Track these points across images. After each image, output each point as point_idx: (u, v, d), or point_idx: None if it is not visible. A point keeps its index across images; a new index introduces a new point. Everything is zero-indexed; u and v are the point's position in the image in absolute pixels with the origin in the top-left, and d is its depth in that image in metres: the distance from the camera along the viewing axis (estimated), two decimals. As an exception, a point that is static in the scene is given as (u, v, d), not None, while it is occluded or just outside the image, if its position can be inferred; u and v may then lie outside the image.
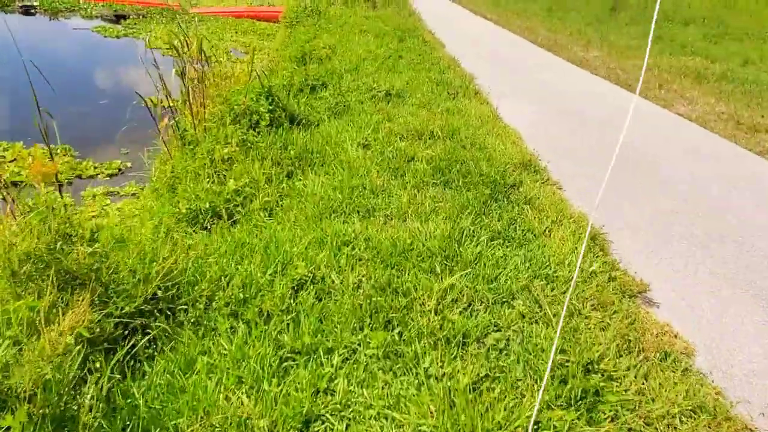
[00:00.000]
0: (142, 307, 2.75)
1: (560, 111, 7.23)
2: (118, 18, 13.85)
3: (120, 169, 6.10)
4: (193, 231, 3.95)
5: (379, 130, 5.52)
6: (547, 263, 3.38)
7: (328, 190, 4.22)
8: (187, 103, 5.47)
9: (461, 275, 3.14)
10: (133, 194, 5.51)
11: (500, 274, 3.20)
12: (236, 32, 13.90)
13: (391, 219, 3.89)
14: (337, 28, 11.27)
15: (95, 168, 6.02)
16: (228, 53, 11.92)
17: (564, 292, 3.11)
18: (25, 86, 3.57)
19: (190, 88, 5.68)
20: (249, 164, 4.62)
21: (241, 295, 2.90)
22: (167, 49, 12.14)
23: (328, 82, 7.30)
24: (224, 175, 4.68)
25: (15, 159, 6.01)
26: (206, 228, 4.05)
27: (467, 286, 3.05)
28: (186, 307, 2.87)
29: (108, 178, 5.88)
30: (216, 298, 2.92)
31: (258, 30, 14.36)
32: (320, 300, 2.98)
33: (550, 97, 7.95)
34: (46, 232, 2.88)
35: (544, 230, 3.81)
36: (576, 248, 3.57)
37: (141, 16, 14.21)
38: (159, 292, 2.84)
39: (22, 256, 2.65)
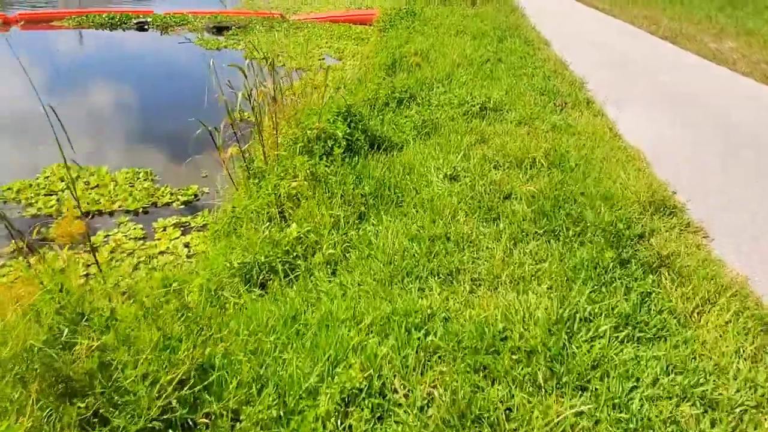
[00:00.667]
0: (151, 425, 2.13)
1: (695, 123, 5.84)
2: (220, 30, 13.94)
3: (196, 195, 5.70)
4: (247, 289, 3.33)
5: (470, 156, 4.61)
6: (701, 373, 2.33)
7: (404, 241, 3.40)
8: (257, 127, 4.90)
9: (575, 394, 2.20)
10: (204, 226, 5.06)
11: (632, 393, 2.22)
12: (331, 37, 13.46)
13: (479, 285, 3.00)
14: (432, 30, 10.39)
15: (171, 194, 5.67)
16: (321, 59, 11.48)
17: (735, 430, 2.07)
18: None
19: (261, 110, 5.12)
20: (315, 204, 3.93)
21: (274, 413, 2.18)
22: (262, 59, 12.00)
23: (416, 94, 6.47)
24: (290, 215, 4.04)
25: (97, 185, 5.82)
26: (262, 285, 3.42)
27: (585, 414, 2.11)
28: (208, 421, 2.21)
29: (183, 206, 5.50)
30: (246, 411, 2.23)
31: (353, 34, 13.84)
32: (379, 419, 2.19)
33: (680, 103, 6.53)
34: (52, 316, 2.35)
35: (692, 312, 2.73)
36: (742, 347, 2.47)
37: (241, 27, 14.22)
38: (174, 402, 2.21)
39: (9, 356, 2.12)
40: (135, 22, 14.63)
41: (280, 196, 4.12)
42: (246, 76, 4.96)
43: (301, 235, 3.60)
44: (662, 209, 3.76)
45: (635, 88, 7.11)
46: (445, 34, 10.06)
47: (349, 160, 4.59)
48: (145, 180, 5.96)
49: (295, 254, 3.51)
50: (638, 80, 7.53)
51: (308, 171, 4.23)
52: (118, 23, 14.69)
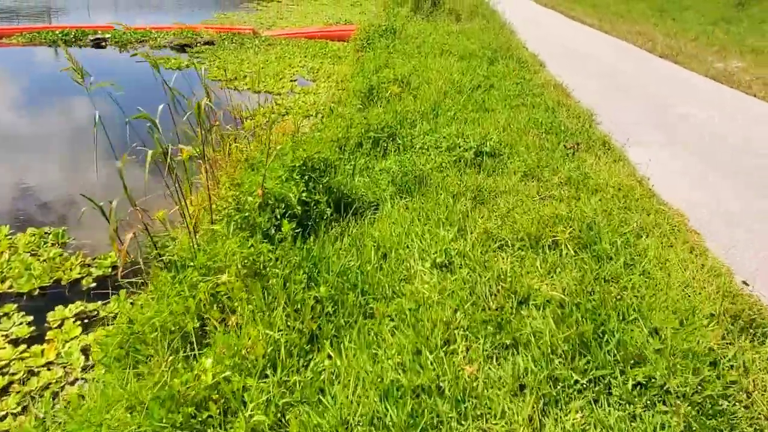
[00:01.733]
0: None
1: (735, 169, 4.70)
2: (184, 47, 12.62)
3: (115, 267, 4.37)
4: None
5: (466, 230, 3.38)
6: None
7: (373, 398, 2.16)
8: (178, 188, 3.60)
9: None
10: (115, 317, 3.73)
11: None
12: (306, 55, 12.22)
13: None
14: (414, 50, 9.21)
15: (83, 267, 4.34)
16: (293, 81, 10.23)
17: None
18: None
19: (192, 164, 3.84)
20: (247, 317, 2.67)
21: None
22: (227, 80, 10.70)
23: (396, 132, 5.24)
24: (214, 333, 2.76)
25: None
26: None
27: None
28: None
29: (95, 284, 4.17)
30: None
31: (330, 52, 12.61)
32: None
33: (710, 143, 5.38)
34: None
35: None
36: None
37: (208, 44, 12.91)
38: None
39: None
40: (91, 38, 13.23)
41: (200, 301, 2.85)
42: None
43: (216, 381, 2.33)
44: (748, 328, 2.56)
45: (655, 124, 5.96)
46: (429, 55, 8.87)
47: (303, 239, 3.33)
48: (53, 245, 4.62)
49: (206, 416, 2.24)
50: (655, 113, 6.38)
51: (242, 262, 2.96)
52: (73, 39, 13.28)
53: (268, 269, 2.94)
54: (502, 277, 2.89)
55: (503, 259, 3.07)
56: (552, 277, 2.89)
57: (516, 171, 4.27)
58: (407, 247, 3.25)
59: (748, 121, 6.11)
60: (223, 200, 3.73)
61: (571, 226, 3.32)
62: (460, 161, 4.48)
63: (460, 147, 4.61)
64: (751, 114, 6.47)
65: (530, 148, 4.75)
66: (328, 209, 3.74)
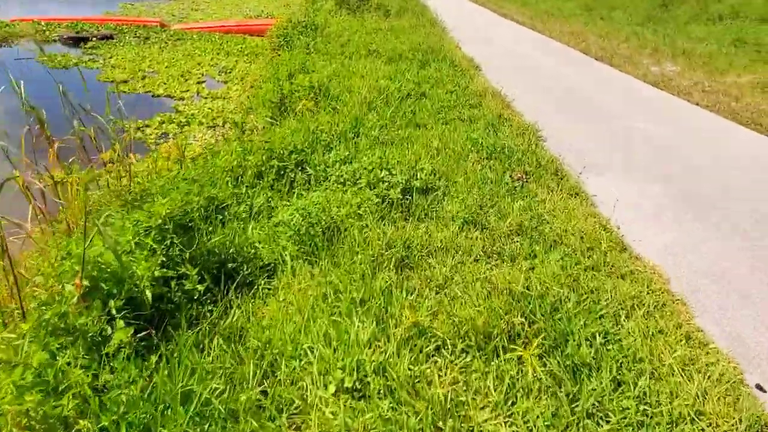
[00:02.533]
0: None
1: (722, 206, 3.96)
2: (78, 41, 10.88)
3: None
4: None
5: (388, 322, 2.39)
6: None
7: None
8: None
9: None
10: None
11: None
12: (219, 52, 10.82)
13: None
14: (337, 50, 8.12)
15: None
16: (201, 84, 8.88)
17: None
18: None
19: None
20: None
21: None
22: (122, 82, 9.17)
23: (307, 158, 4.16)
24: None
25: None
26: None
27: None
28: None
29: None
30: None
31: (247, 48, 11.26)
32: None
33: (678, 170, 4.65)
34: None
35: None
36: None
37: (106, 38, 11.22)
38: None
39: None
40: (-36, 30, 11.22)
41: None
42: None
43: None
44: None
45: (608, 143, 5.19)
46: (354, 56, 7.82)
47: (151, 347, 2.21)
48: None
49: None
50: (606, 128, 5.61)
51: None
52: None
53: None
54: (442, 408, 1.91)
55: (441, 374, 2.10)
56: (511, 407, 1.94)
57: (454, 216, 3.31)
58: (306, 353, 2.21)
59: (707, 138, 5.48)
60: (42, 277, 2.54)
61: (531, 311, 2.39)
62: (384, 201, 3.47)
63: (384, 182, 3.60)
64: (699, 124, 5.88)
65: (470, 180, 3.82)
66: (199, 286, 2.63)
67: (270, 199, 3.75)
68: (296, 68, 6.80)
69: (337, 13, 11.46)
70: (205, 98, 8.10)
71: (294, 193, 3.89)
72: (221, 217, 3.49)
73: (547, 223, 3.34)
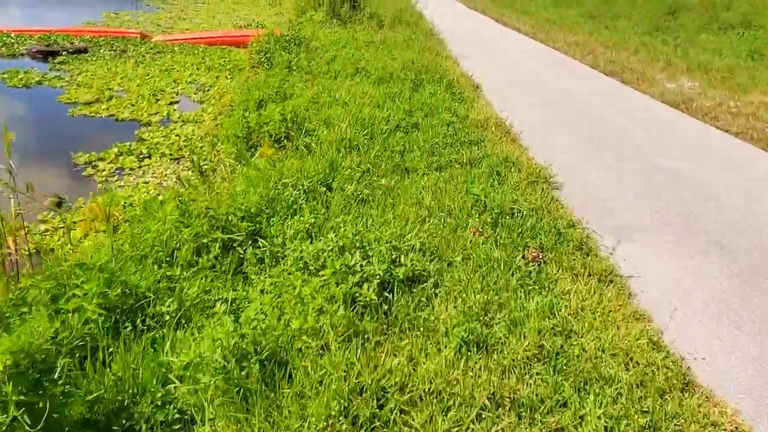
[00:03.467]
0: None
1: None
2: (48, 55, 9.91)
3: None
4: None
5: None
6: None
7: None
8: None
9: None
10: None
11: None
12: (200, 67, 9.85)
13: None
14: (322, 67, 7.15)
15: None
16: (174, 105, 7.92)
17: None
18: None
19: None
20: None
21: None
22: (85, 104, 8.16)
23: (262, 225, 3.21)
24: None
25: None
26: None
27: None
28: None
29: None
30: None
31: (231, 61, 10.30)
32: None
33: (734, 228, 3.67)
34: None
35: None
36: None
37: (79, 52, 10.25)
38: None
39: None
40: None
41: None
42: None
43: None
44: None
45: (642, 194, 4.18)
46: (340, 75, 6.86)
47: None
48: None
49: None
50: (635, 170, 4.54)
51: None
52: None
53: None
54: None
55: None
56: None
57: (449, 329, 2.35)
58: None
59: (754, 180, 4.50)
60: None
61: None
62: (354, 303, 2.51)
63: (357, 272, 2.63)
64: (747, 165, 4.90)
65: (471, 262, 2.86)
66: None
67: (208, 290, 2.79)
68: (271, 93, 5.83)
69: (326, 23, 10.49)
70: (175, 122, 7.15)
71: (242, 275, 2.94)
72: (139, 320, 2.54)
73: (576, 336, 2.38)
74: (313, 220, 3.14)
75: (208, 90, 8.64)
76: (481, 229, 3.13)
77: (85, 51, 10.40)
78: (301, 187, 3.53)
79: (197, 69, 9.78)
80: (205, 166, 4.96)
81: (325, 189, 3.64)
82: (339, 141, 4.50)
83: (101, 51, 10.58)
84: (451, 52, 9.04)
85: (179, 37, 12.22)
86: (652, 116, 6.40)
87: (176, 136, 6.64)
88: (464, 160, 4.23)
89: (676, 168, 4.64)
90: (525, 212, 3.38)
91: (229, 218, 3.16)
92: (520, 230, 3.18)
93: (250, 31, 12.65)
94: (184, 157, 6.07)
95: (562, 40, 12.32)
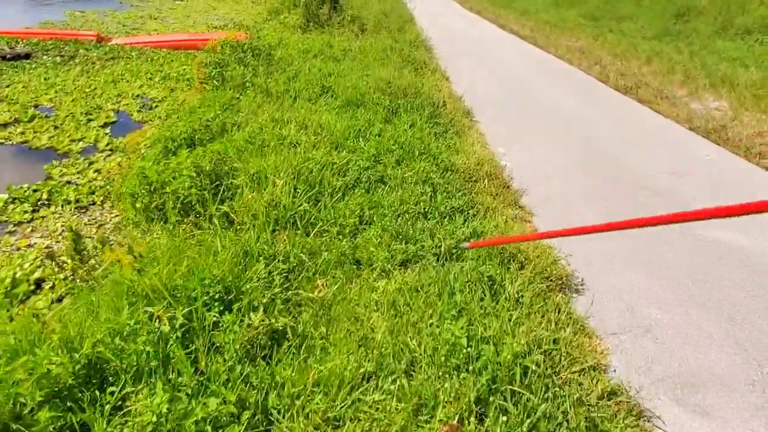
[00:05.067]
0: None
1: None
2: (-20, 62, 8.45)
3: None
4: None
5: None
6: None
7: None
8: None
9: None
10: None
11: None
12: (154, 76, 8.39)
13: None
14: (279, 86, 5.72)
15: None
16: (108, 127, 6.49)
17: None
18: None
19: None
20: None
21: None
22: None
23: (76, 418, 1.84)
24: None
25: None
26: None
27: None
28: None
29: None
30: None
31: (193, 70, 8.84)
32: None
33: None
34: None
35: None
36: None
37: (19, 58, 8.78)
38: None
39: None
40: None
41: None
42: None
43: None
44: None
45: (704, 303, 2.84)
46: (300, 96, 5.44)
47: None
48: None
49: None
50: (689, 247, 3.28)
51: None
52: None
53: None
54: None
55: None
56: None
57: None
58: None
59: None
60: None
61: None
62: None
63: None
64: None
65: None
66: None
67: None
68: (204, 122, 4.41)
69: (301, 28, 9.02)
70: (101, 152, 5.72)
71: None
72: None
73: None
74: (165, 410, 1.74)
75: (156, 106, 7.19)
76: (459, 426, 1.74)
77: (27, 57, 8.93)
78: (174, 322, 2.12)
79: (150, 79, 8.32)
80: (96, 236, 3.57)
81: (218, 313, 2.24)
82: (269, 209, 3.10)
83: (44, 57, 9.09)
84: (439, 64, 7.59)
85: (142, 39, 10.73)
86: (685, 153, 4.99)
87: (95, 172, 5.22)
88: (442, 250, 2.82)
89: (736, 244, 3.25)
90: (543, 372, 1.99)
91: (24, 399, 1.76)
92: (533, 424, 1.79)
93: (219, 34, 11.15)
94: (96, 203, 4.66)
95: (564, 45, 10.89)
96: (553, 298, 2.51)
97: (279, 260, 2.68)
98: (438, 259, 2.74)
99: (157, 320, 2.17)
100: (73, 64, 8.86)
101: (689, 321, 2.58)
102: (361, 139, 4.18)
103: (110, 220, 4.27)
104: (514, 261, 2.72)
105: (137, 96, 7.54)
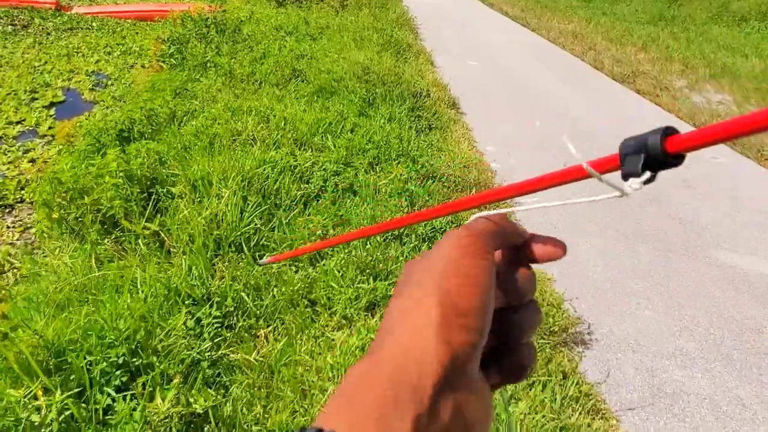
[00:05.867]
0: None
1: None
2: None
3: None
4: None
5: None
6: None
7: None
8: None
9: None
10: None
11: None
12: (113, 51, 7.57)
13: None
14: (243, 69, 5.03)
15: None
16: (53, 108, 5.73)
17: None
18: None
19: None
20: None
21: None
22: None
23: None
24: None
25: None
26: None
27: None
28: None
29: None
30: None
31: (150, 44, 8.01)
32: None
33: None
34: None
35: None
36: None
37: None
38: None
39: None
40: None
41: None
42: None
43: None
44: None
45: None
46: (265, 82, 4.77)
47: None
48: None
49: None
50: (690, 276, 2.72)
51: None
52: None
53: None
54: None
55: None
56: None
57: None
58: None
59: None
60: None
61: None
62: None
63: None
64: None
65: None
66: None
67: None
68: (141, 116, 3.74)
69: (277, 1, 8.23)
70: (42, 138, 5.00)
71: None
72: None
73: None
74: None
75: (112, 84, 6.42)
76: None
77: (-28, 25, 7.98)
78: (50, 408, 1.53)
79: (109, 54, 7.50)
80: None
81: (116, 388, 1.65)
82: (210, 228, 2.50)
83: (-7, 25, 8.17)
84: (424, 47, 6.93)
85: (105, 9, 9.79)
86: (695, 156, 4.46)
87: (30, 162, 4.52)
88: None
89: (758, 271, 2.75)
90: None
91: None
92: None
93: (188, 4, 10.23)
94: (23, 201, 3.99)
95: (557, 28, 10.25)
96: (557, 358, 1.97)
97: (214, 302, 2.09)
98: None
99: (33, 399, 1.58)
100: (26, 34, 7.97)
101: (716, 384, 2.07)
102: (330, 137, 3.56)
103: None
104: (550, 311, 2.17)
105: (92, 72, 6.74)
